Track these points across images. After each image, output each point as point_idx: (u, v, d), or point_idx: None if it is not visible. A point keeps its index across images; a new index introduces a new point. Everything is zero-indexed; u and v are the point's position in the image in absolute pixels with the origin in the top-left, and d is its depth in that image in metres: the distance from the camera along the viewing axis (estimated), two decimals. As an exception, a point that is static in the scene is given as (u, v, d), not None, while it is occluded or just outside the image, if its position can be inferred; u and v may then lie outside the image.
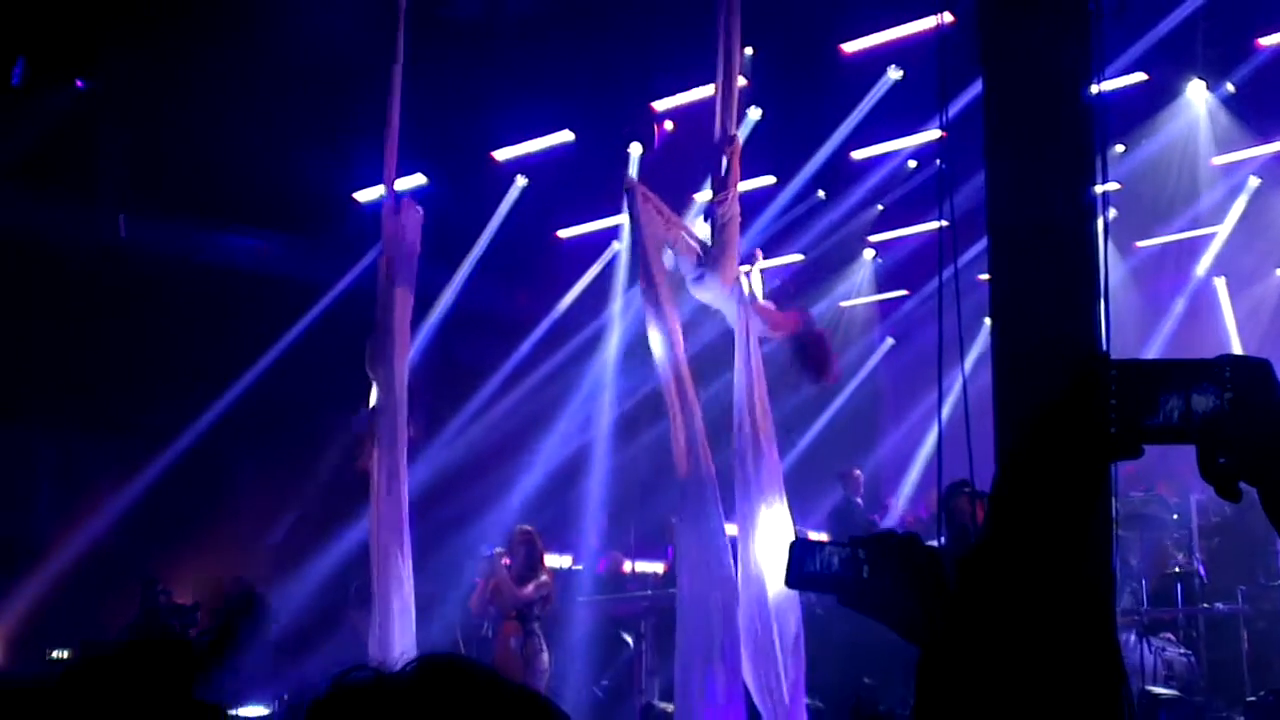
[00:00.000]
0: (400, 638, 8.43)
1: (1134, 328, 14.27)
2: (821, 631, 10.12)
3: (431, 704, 1.19)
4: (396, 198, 8.95)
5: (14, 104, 12.43)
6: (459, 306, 15.04)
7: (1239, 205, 14.17)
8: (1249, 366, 1.47)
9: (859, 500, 12.95)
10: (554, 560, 12.39)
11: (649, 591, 12.15)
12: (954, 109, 5.36)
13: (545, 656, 10.39)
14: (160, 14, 11.81)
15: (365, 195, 14.34)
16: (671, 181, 14.67)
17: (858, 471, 13.38)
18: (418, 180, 14.10)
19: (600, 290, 15.94)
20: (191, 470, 13.68)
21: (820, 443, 15.81)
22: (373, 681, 1.23)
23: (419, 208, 8.82)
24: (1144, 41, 11.63)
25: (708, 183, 8.34)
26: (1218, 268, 14.92)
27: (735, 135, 8.04)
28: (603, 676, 11.93)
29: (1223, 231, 14.42)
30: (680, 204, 15.18)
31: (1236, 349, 13.46)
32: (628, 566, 13.16)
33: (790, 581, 2.03)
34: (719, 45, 8.09)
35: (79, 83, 12.96)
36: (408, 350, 8.95)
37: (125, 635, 11.86)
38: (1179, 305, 14.87)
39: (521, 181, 14.98)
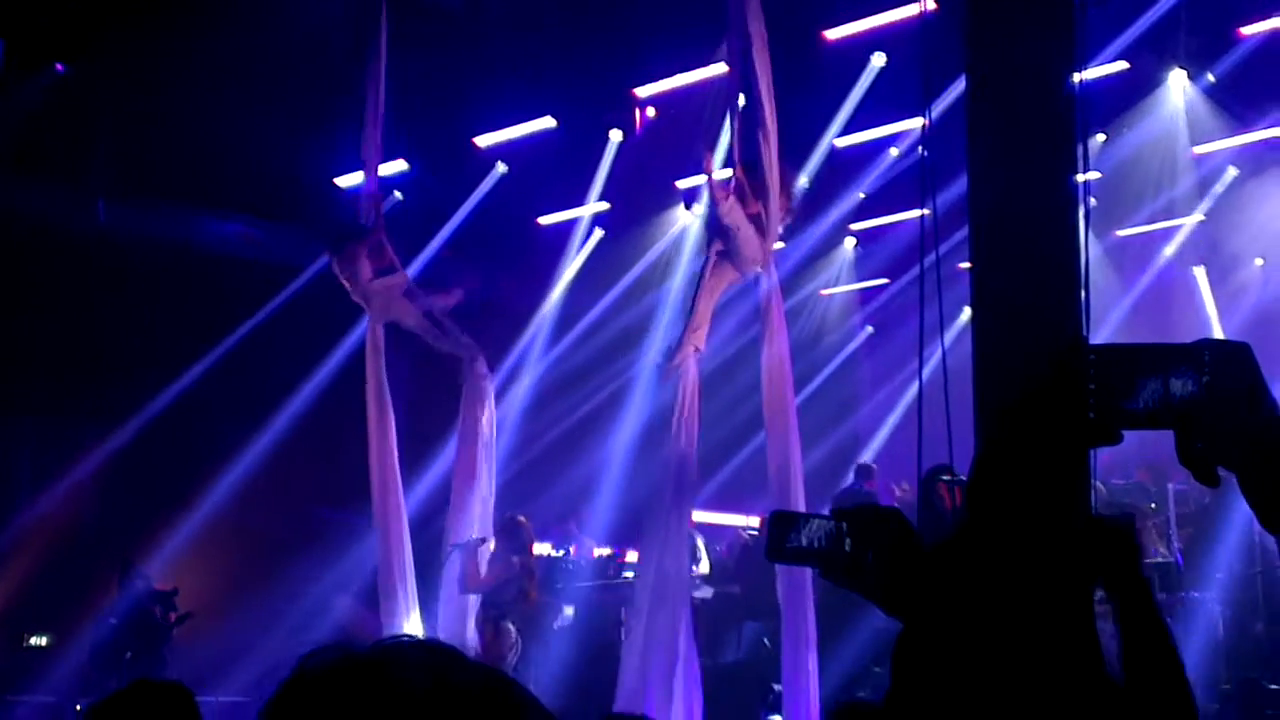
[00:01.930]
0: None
1: (1110, 314, 14.29)
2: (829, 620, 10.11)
3: (395, 683, 1.20)
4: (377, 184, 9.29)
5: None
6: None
7: (1217, 194, 14.20)
8: (1228, 350, 1.46)
9: (870, 491, 13.02)
10: (539, 548, 12.34)
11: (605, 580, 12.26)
12: (937, 97, 5.35)
13: (512, 640, 10.32)
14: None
15: (346, 180, 14.28)
16: (655, 168, 14.72)
17: (874, 465, 13.56)
18: (399, 166, 14.04)
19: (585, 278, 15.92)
20: (169, 453, 13.62)
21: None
22: (338, 661, 1.23)
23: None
24: (1127, 31, 11.63)
25: (711, 161, 8.72)
26: (1197, 256, 14.95)
27: (769, 136, 8.25)
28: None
29: (1195, 221, 14.45)
30: (664, 190, 15.24)
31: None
32: (597, 553, 13.16)
33: (771, 554, 1.98)
34: (730, 45, 8.23)
35: (59, 67, 12.86)
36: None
37: (108, 619, 11.81)
38: (1141, 284, 14.90)
39: (501, 168, 14.91)
